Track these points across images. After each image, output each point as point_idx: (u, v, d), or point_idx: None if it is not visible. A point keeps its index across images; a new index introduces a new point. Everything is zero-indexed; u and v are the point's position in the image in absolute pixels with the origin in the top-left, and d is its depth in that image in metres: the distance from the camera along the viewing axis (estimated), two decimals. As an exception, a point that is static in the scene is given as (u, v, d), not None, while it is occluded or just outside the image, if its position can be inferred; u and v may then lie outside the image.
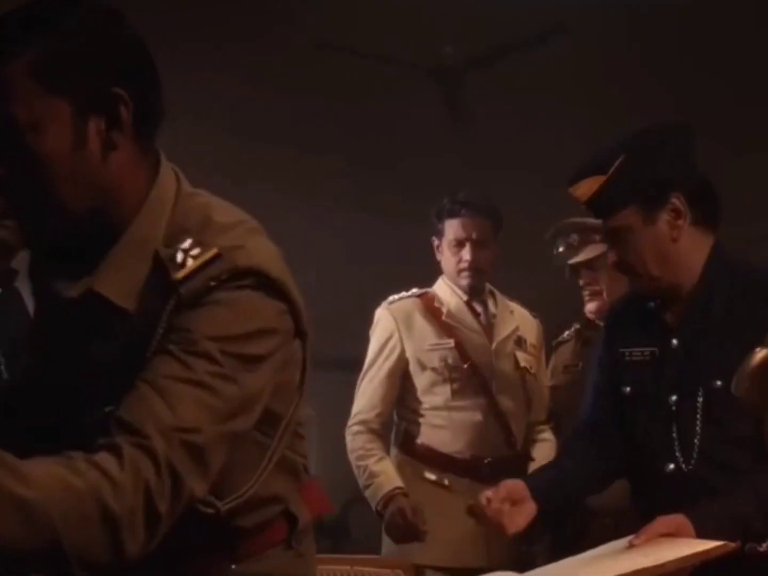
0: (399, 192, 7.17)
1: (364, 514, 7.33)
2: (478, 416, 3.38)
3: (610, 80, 6.31)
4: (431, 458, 3.39)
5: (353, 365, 8.09)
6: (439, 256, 3.54)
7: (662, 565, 1.92)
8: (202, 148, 6.74)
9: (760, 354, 1.80)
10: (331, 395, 9.53)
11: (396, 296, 3.57)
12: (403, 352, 3.46)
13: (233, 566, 1.65)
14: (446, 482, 3.36)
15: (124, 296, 1.53)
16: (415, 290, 3.57)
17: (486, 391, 3.39)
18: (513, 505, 2.31)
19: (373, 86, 6.28)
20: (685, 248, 2.42)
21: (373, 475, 3.37)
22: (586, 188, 2.40)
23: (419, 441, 3.42)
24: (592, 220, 3.45)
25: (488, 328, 3.52)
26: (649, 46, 6.10)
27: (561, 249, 3.58)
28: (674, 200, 2.41)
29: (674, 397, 2.41)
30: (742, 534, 2.16)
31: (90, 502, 1.35)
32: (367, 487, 3.39)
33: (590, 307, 3.57)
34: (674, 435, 2.40)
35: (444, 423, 3.38)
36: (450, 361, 3.41)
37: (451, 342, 3.44)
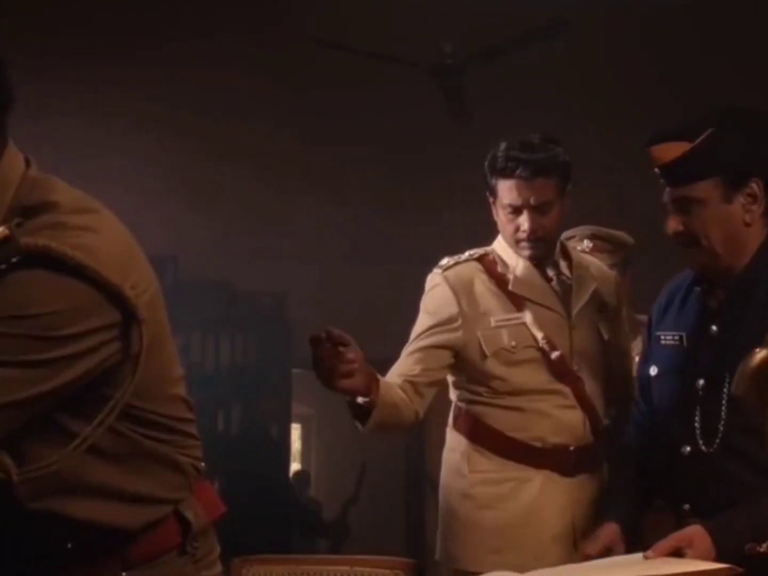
0: (399, 188, 7.17)
1: (363, 514, 7.35)
2: (560, 401, 2.80)
3: (610, 76, 6.30)
4: (505, 447, 2.81)
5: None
6: (495, 215, 2.91)
7: None
8: (204, 143, 6.73)
9: (759, 354, 1.78)
10: (330, 395, 9.55)
11: (450, 259, 2.89)
12: (464, 331, 2.81)
13: (123, 574, 1.62)
14: (524, 475, 2.80)
15: None
16: (468, 253, 2.92)
17: (566, 373, 2.82)
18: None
19: (373, 83, 6.27)
20: (751, 234, 2.40)
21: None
22: (667, 150, 2.37)
23: (491, 426, 2.83)
24: (610, 231, 3.46)
25: (565, 295, 2.87)
26: (650, 42, 6.09)
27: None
28: (753, 184, 2.38)
29: (701, 381, 2.40)
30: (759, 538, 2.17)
31: None
32: None
33: None
34: (697, 418, 2.39)
35: (520, 406, 2.80)
36: (522, 338, 2.80)
37: (523, 316, 2.82)
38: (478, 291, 2.84)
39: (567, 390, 2.81)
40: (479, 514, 2.79)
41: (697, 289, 2.50)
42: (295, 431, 9.33)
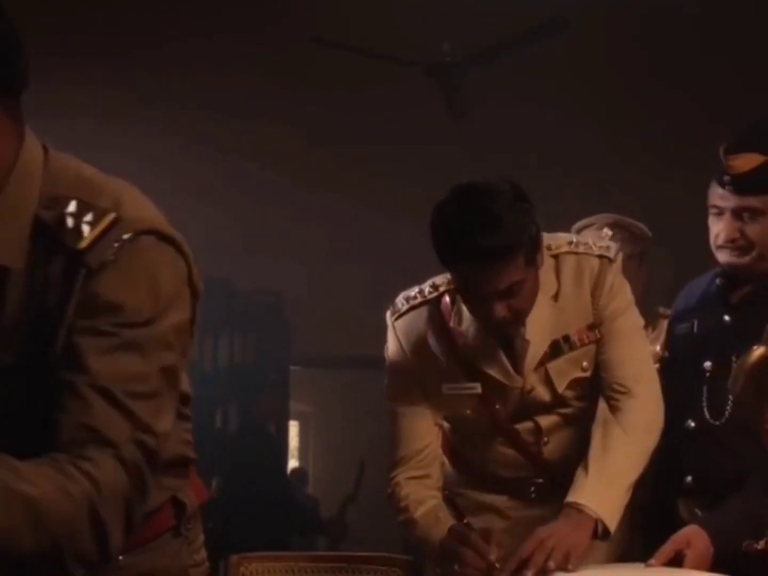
0: (398, 188, 7.17)
1: (361, 512, 7.35)
2: (508, 454, 2.60)
3: (609, 75, 6.31)
4: (464, 467, 2.70)
5: (349, 363, 8.10)
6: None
7: None
8: (201, 143, 6.73)
9: (757, 352, 1.80)
10: (328, 392, 9.56)
11: (404, 302, 2.58)
12: (416, 385, 2.58)
13: (120, 557, 1.58)
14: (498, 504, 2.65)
15: (8, 257, 1.49)
16: (431, 288, 2.57)
17: (513, 438, 2.58)
18: None
19: (372, 83, 6.28)
20: None
21: (423, 532, 2.51)
22: (745, 161, 2.47)
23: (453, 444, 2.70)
24: (631, 221, 3.45)
25: (520, 355, 2.52)
26: (649, 41, 6.09)
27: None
28: None
29: (708, 363, 2.55)
30: (756, 536, 2.22)
31: (83, 508, 1.39)
32: (418, 544, 2.54)
33: None
34: (704, 396, 2.54)
35: (473, 446, 2.66)
36: (475, 408, 2.55)
37: (477, 387, 2.52)
38: (429, 349, 2.54)
39: (516, 451, 2.61)
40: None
41: (719, 281, 2.63)
42: (293, 429, 9.34)
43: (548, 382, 2.54)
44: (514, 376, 2.51)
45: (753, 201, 2.50)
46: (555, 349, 2.52)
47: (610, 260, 2.51)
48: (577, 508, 2.34)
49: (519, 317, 2.42)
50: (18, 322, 1.49)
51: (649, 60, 6.22)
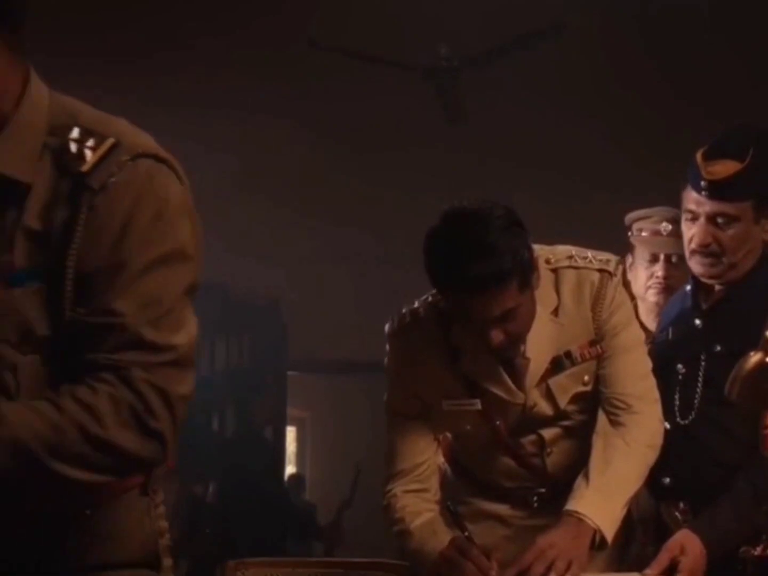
0: (395, 192, 7.17)
1: (358, 518, 7.34)
2: (510, 465, 2.59)
3: (605, 79, 6.31)
4: (468, 478, 2.69)
5: (346, 367, 8.09)
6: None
7: None
8: (197, 146, 6.72)
9: (753, 358, 1.80)
10: (325, 397, 9.55)
11: (404, 316, 2.55)
12: (416, 399, 2.56)
13: (87, 512, 1.63)
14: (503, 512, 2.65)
15: (22, 173, 1.57)
16: (428, 305, 2.54)
17: (516, 451, 2.58)
18: None
19: (368, 86, 6.28)
20: (759, 248, 2.60)
21: (419, 542, 2.50)
22: (723, 168, 2.49)
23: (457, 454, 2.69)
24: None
25: (521, 370, 2.51)
26: (645, 46, 6.09)
27: (644, 234, 3.34)
28: None
29: (680, 366, 2.61)
30: (748, 536, 2.25)
31: (71, 430, 1.50)
32: (412, 556, 2.53)
33: (660, 298, 3.26)
34: (676, 397, 2.59)
35: (474, 461, 2.66)
36: (476, 424, 2.54)
37: (477, 403, 2.50)
38: (429, 365, 2.52)
39: (518, 463, 2.61)
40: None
41: (689, 287, 2.67)
42: (290, 434, 9.33)
43: (550, 397, 2.52)
44: (516, 393, 2.50)
45: (728, 207, 2.51)
46: (556, 365, 2.51)
47: (611, 274, 2.50)
48: (577, 518, 2.35)
49: (516, 341, 2.41)
50: (35, 235, 1.56)
51: (647, 62, 6.23)
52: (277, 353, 7.80)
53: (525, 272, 2.32)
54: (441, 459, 2.72)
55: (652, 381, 2.55)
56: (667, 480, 2.55)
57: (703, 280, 2.61)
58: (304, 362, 8.10)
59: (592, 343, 2.51)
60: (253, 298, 7.59)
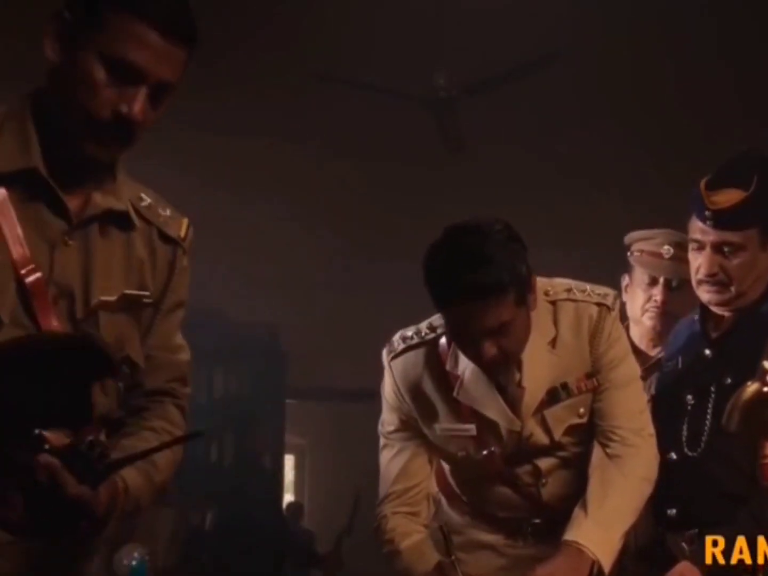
0: (394, 220, 7.18)
1: (357, 546, 7.31)
2: (505, 494, 2.59)
3: (603, 108, 6.33)
4: (462, 506, 2.68)
5: (344, 395, 8.07)
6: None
7: None
8: (195, 168, 6.74)
9: (750, 388, 1.80)
10: (323, 425, 9.53)
11: (401, 341, 2.57)
12: (411, 424, 2.58)
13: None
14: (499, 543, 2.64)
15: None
16: (428, 329, 2.55)
17: (512, 480, 2.57)
18: None
19: (366, 115, 6.30)
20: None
21: (408, 562, 2.55)
22: (726, 197, 2.48)
23: (451, 485, 2.68)
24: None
25: (517, 398, 2.51)
26: (642, 73, 6.11)
27: (645, 255, 3.25)
28: None
29: (689, 396, 2.57)
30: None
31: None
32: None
33: (656, 323, 3.20)
34: (684, 427, 2.56)
35: (470, 489, 2.65)
36: (469, 451, 2.54)
37: (471, 429, 2.50)
38: (425, 390, 2.54)
39: (513, 491, 2.59)
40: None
41: (695, 317, 2.65)
42: (289, 462, 9.30)
43: (545, 428, 2.52)
44: (513, 420, 2.49)
45: (733, 236, 2.50)
46: (552, 396, 2.51)
47: (609, 308, 2.51)
48: (576, 548, 2.35)
49: (509, 358, 2.40)
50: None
51: (644, 90, 6.25)
52: (276, 381, 7.78)
53: (522, 287, 2.34)
54: (435, 489, 2.71)
55: (647, 415, 2.56)
56: (674, 511, 2.52)
57: (712, 308, 2.60)
58: (302, 390, 8.08)
59: (589, 376, 2.51)
60: (252, 325, 7.58)
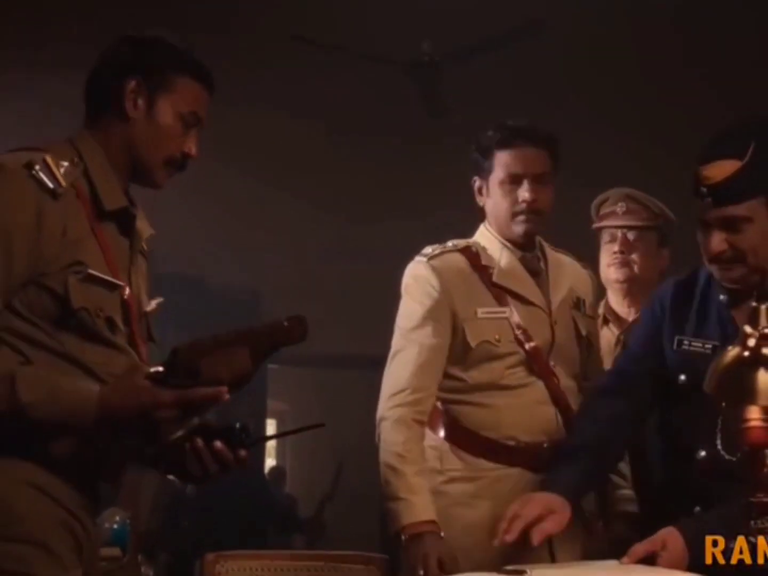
0: (377, 185, 7.17)
1: (340, 511, 7.35)
2: (533, 396, 2.76)
3: (587, 75, 6.32)
4: (479, 446, 2.77)
5: (327, 361, 8.08)
6: (481, 201, 2.86)
7: None
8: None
9: (731, 353, 1.79)
10: (305, 391, 9.54)
11: (434, 248, 2.83)
12: (453, 320, 2.77)
13: None
14: (497, 473, 2.76)
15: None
16: (451, 243, 2.87)
17: (543, 369, 2.78)
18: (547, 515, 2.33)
19: (350, 81, 6.27)
20: None
21: (408, 490, 2.65)
22: (720, 169, 2.31)
23: (464, 425, 2.78)
24: (647, 196, 3.34)
25: (544, 290, 2.85)
26: (629, 41, 6.10)
27: (603, 217, 3.38)
28: None
29: None
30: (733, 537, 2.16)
31: None
32: (394, 499, 2.68)
33: (619, 274, 3.29)
34: (718, 426, 2.36)
35: (491, 402, 2.76)
36: (505, 333, 2.75)
37: (506, 311, 2.77)
38: (464, 282, 2.81)
39: (541, 385, 2.78)
40: (452, 511, 2.75)
41: (723, 298, 2.47)
42: (270, 427, 9.31)
43: (573, 323, 2.87)
44: (542, 298, 2.83)
45: (736, 210, 2.35)
46: (575, 302, 2.90)
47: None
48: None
49: (542, 212, 2.82)
50: None
51: (633, 58, 6.24)
52: (258, 346, 7.76)
53: (557, 157, 2.92)
54: (436, 440, 2.82)
55: None
56: (698, 509, 2.39)
57: (725, 285, 2.44)
58: (284, 355, 8.06)
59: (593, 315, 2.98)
60: (234, 290, 7.57)
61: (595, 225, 3.41)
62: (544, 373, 2.78)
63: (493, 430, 2.76)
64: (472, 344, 2.76)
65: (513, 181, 2.80)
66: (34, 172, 1.90)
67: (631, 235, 3.31)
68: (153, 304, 2.15)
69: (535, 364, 2.78)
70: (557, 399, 2.78)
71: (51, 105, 5.73)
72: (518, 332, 2.77)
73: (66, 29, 5.84)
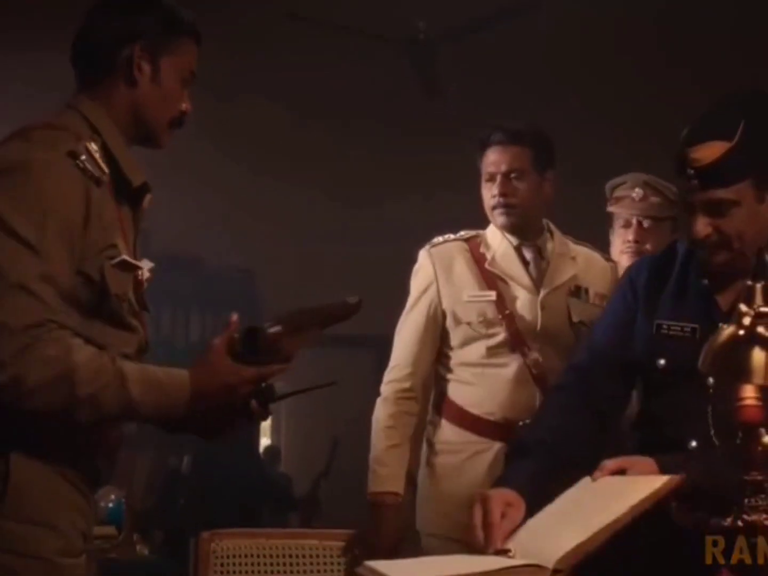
0: (371, 166, 7.16)
1: (334, 489, 7.37)
2: (512, 374, 2.95)
3: (583, 54, 6.31)
4: (464, 420, 2.99)
5: (322, 340, 8.09)
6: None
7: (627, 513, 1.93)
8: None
9: (726, 331, 1.79)
10: (300, 369, 9.56)
11: (441, 238, 3.11)
12: (440, 303, 3.03)
13: None
14: (480, 447, 2.97)
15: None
16: (464, 233, 3.12)
17: (523, 349, 2.97)
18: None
19: (347, 59, 6.25)
20: None
21: (377, 461, 2.95)
22: (707, 152, 2.24)
23: (453, 401, 3.02)
24: (666, 183, 3.30)
25: (538, 277, 3.04)
26: (624, 20, 6.09)
27: (618, 200, 3.35)
28: None
29: (711, 380, 2.23)
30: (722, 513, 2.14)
31: None
32: (370, 469, 2.97)
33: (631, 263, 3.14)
34: (709, 415, 2.24)
35: (475, 380, 2.98)
36: (489, 315, 2.98)
37: (492, 294, 2.99)
38: (457, 268, 3.05)
39: (522, 364, 2.96)
40: (437, 482, 3.00)
41: (705, 282, 2.41)
42: (267, 406, 9.34)
43: (564, 307, 3.00)
44: (530, 284, 3.01)
45: (724, 193, 2.27)
46: (575, 290, 3.04)
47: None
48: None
49: (517, 206, 2.99)
50: None
51: (628, 37, 6.23)
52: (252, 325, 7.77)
53: (542, 151, 3.08)
54: (433, 414, 3.05)
55: None
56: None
57: (710, 269, 2.36)
58: (280, 335, 8.08)
59: (602, 298, 3.01)
60: (230, 271, 7.57)
61: (610, 208, 3.40)
62: (526, 353, 2.96)
63: (476, 406, 2.97)
64: (457, 325, 3.01)
65: (490, 178, 3.03)
66: (79, 162, 1.90)
67: (646, 223, 3.32)
68: (148, 273, 2.13)
69: (517, 345, 2.97)
70: (539, 379, 2.93)
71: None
72: (502, 315, 2.98)
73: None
